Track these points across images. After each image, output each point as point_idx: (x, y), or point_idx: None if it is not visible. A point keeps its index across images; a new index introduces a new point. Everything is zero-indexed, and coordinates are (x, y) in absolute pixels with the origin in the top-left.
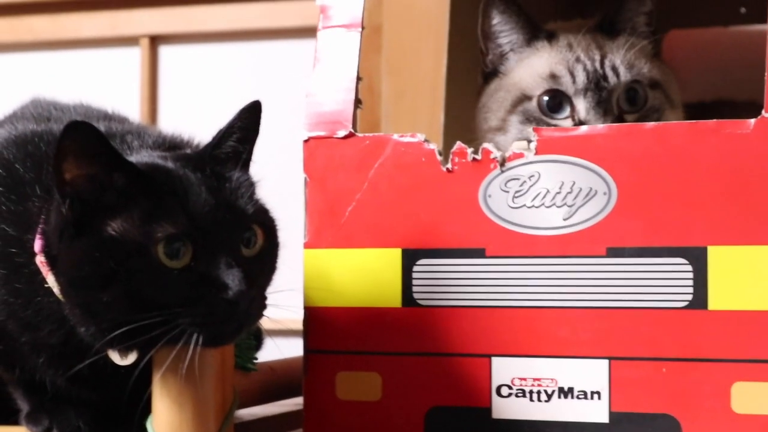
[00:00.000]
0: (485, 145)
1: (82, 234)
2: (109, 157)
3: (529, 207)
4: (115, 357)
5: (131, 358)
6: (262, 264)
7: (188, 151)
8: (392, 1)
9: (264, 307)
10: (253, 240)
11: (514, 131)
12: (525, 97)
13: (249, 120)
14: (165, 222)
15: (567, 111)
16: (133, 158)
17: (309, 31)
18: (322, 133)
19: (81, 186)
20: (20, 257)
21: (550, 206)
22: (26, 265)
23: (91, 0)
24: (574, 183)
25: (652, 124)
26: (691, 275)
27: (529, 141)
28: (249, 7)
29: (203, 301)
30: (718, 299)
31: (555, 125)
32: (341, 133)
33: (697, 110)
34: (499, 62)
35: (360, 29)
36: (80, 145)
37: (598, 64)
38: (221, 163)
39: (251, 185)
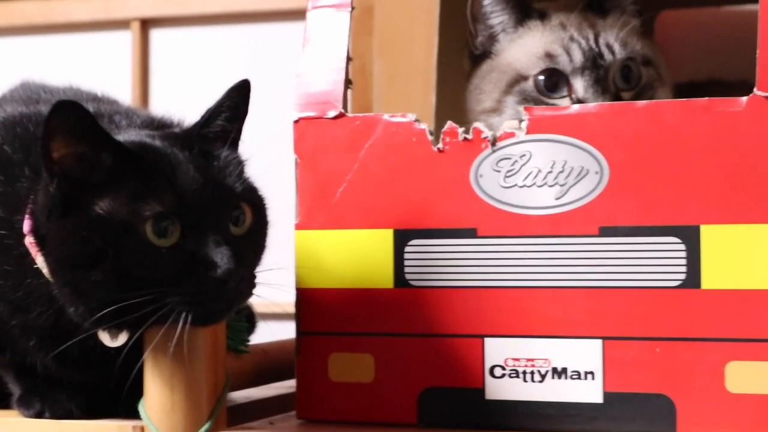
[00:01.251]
0: (476, 124)
1: (69, 213)
2: (97, 136)
3: (520, 186)
4: (105, 338)
5: (121, 340)
6: (251, 242)
7: (176, 130)
8: None
9: (253, 285)
10: (241, 218)
11: (510, 112)
12: (521, 77)
13: (238, 99)
14: (153, 200)
15: (564, 90)
16: (121, 137)
17: (302, 14)
18: (312, 114)
19: (69, 165)
20: (9, 239)
21: (541, 186)
22: (15, 247)
23: None
24: (565, 162)
25: (643, 102)
26: (684, 254)
27: (521, 120)
28: None
29: (192, 279)
30: (711, 278)
31: (552, 105)
32: (331, 114)
33: (688, 90)
34: (489, 44)
35: (350, 9)
36: (68, 124)
37: (593, 43)
38: (209, 142)
39: (240, 164)
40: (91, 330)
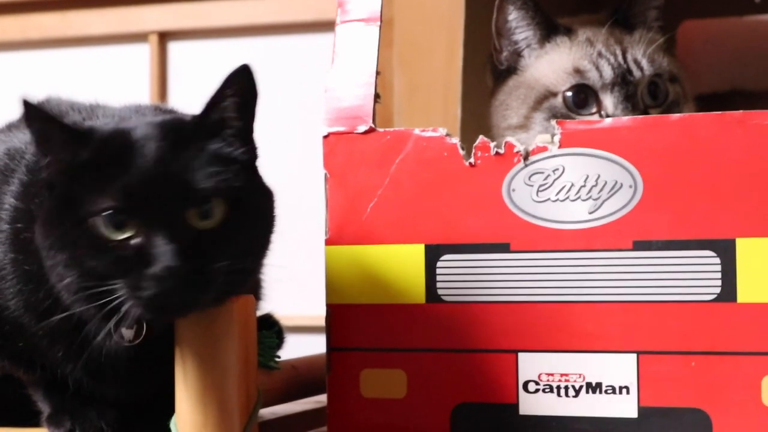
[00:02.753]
0: (508, 138)
1: (51, 196)
2: (67, 132)
3: (553, 201)
4: (127, 333)
5: (129, 335)
6: (223, 238)
7: (173, 118)
8: None
9: (211, 282)
10: (210, 213)
11: (538, 128)
12: (550, 94)
13: (240, 86)
14: (105, 194)
15: (593, 107)
16: (98, 124)
17: (320, 26)
18: (341, 129)
19: (54, 166)
20: (27, 231)
21: (575, 200)
22: (33, 240)
23: None
24: (599, 176)
25: (677, 116)
26: (719, 268)
27: (553, 134)
28: (258, 2)
29: (133, 274)
30: (747, 292)
31: None
32: (361, 129)
33: (711, 101)
34: (514, 59)
35: (379, 23)
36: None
37: (621, 59)
38: (202, 133)
39: (227, 157)
40: (72, 309)
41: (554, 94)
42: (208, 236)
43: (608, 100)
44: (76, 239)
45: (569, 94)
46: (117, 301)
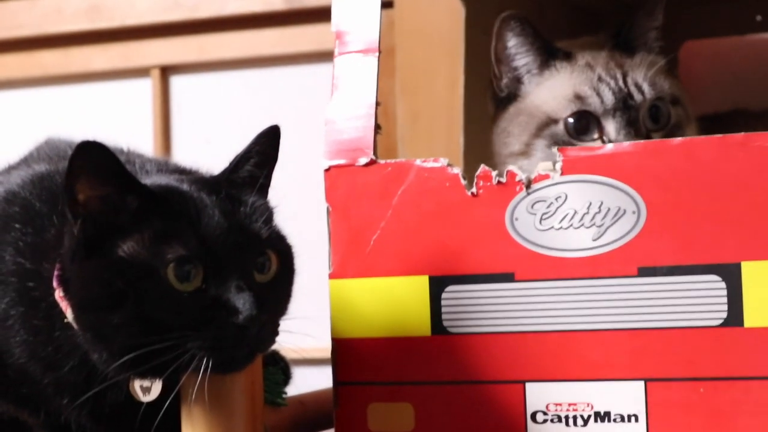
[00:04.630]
0: (510, 167)
1: (92, 255)
2: (122, 178)
3: (557, 229)
4: (137, 393)
5: (154, 394)
6: (276, 290)
7: (205, 175)
8: (404, 23)
9: (276, 333)
10: (267, 265)
11: (540, 155)
12: (551, 120)
13: (267, 144)
14: (176, 244)
15: (595, 132)
16: (149, 181)
17: (321, 56)
18: (343, 161)
19: (93, 207)
20: (37, 290)
21: (578, 227)
22: (44, 299)
23: (101, 32)
24: (602, 203)
25: (678, 139)
26: (725, 292)
27: (555, 162)
28: (259, 34)
29: (213, 324)
30: (754, 316)
31: None
32: (363, 161)
33: (712, 121)
34: (514, 86)
35: (377, 54)
36: (93, 165)
37: (621, 83)
38: (238, 188)
39: (267, 210)
40: (115, 377)
41: (555, 121)
42: (264, 287)
43: (610, 126)
44: (140, 294)
45: (570, 120)
46: (188, 354)
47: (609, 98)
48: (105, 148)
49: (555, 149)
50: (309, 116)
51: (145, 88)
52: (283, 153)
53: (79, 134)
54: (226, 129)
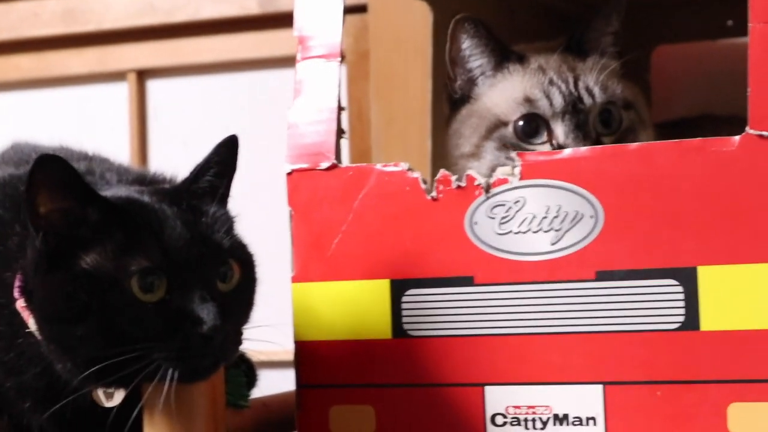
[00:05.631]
0: (469, 171)
1: (55, 267)
2: (82, 191)
3: (516, 233)
4: (100, 398)
5: (117, 400)
6: (238, 299)
7: (166, 186)
8: (379, 27)
9: (239, 342)
10: (229, 275)
11: (489, 157)
12: (500, 123)
13: (226, 155)
14: (139, 255)
15: (544, 135)
16: (109, 192)
17: (294, 61)
18: (304, 165)
19: (54, 220)
20: (0, 298)
21: (537, 231)
22: (6, 306)
23: (77, 36)
24: (560, 207)
25: (636, 144)
26: (682, 296)
27: (514, 165)
28: (235, 38)
29: (178, 335)
30: (710, 320)
31: (532, 150)
32: (324, 165)
33: (680, 126)
34: (468, 87)
35: (339, 59)
36: (52, 179)
37: (572, 86)
38: (198, 198)
39: (228, 220)
40: (81, 388)
41: (505, 124)
42: (227, 297)
43: (559, 129)
44: (104, 306)
45: (520, 123)
46: (153, 365)
47: (558, 101)
48: (63, 162)
49: (505, 153)
50: (284, 120)
51: (121, 92)
52: (259, 156)
53: (47, 138)
54: (203, 132)
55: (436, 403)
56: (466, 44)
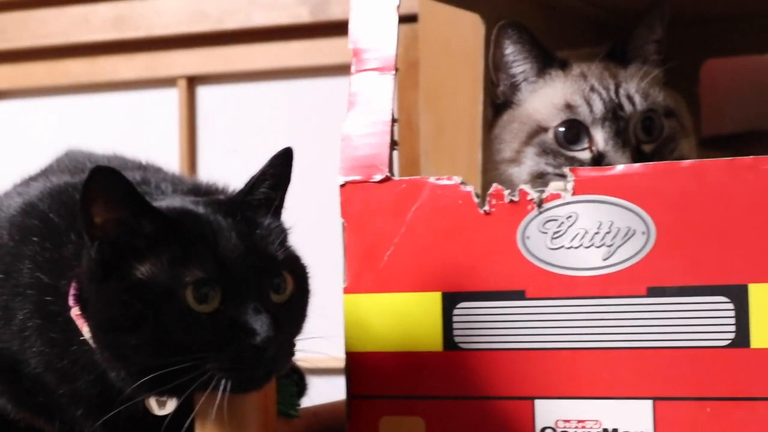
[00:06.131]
0: (523, 186)
1: (110, 277)
2: (137, 202)
3: (567, 248)
4: (153, 406)
5: (169, 408)
6: (291, 311)
7: (221, 197)
8: (429, 37)
9: (292, 353)
10: (282, 286)
11: (529, 163)
12: (541, 129)
13: (281, 167)
14: (194, 266)
15: (584, 142)
16: (164, 203)
17: (347, 69)
18: (358, 177)
19: (109, 230)
20: (55, 305)
21: (589, 246)
22: (61, 314)
23: (128, 42)
24: (612, 223)
25: (688, 162)
26: (732, 313)
27: (566, 181)
28: (286, 45)
29: (231, 346)
30: (760, 337)
31: (572, 157)
32: (377, 177)
33: (729, 141)
34: (511, 93)
35: (393, 72)
36: (107, 190)
37: (613, 93)
38: (253, 210)
39: (282, 232)
40: (134, 396)
41: (545, 130)
42: (280, 308)
43: (599, 136)
44: (158, 315)
45: (560, 129)
46: (206, 375)
47: (599, 108)
48: (117, 174)
49: (544, 159)
50: (334, 128)
51: (171, 98)
52: (309, 165)
53: (102, 145)
54: (252, 139)
55: (486, 415)
56: (510, 50)
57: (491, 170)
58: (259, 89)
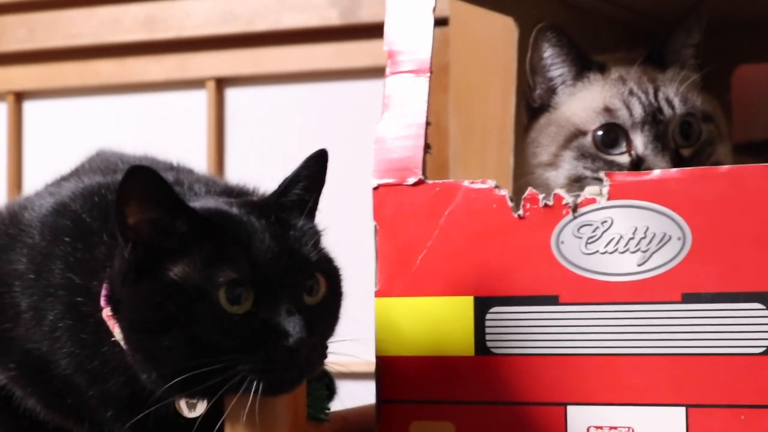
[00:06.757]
0: (557, 191)
1: (143, 278)
2: (172, 203)
3: (602, 253)
4: (183, 408)
5: (199, 410)
6: (324, 312)
7: (254, 198)
8: (459, 40)
9: (324, 356)
10: (315, 288)
11: (567, 166)
12: (579, 132)
13: (315, 168)
14: (227, 267)
15: (623, 146)
16: (198, 204)
17: (377, 72)
18: (391, 180)
19: (143, 230)
20: (86, 306)
21: (623, 252)
22: (92, 315)
23: (157, 43)
24: (647, 228)
25: (725, 167)
26: None
27: (602, 186)
28: (315, 48)
29: (264, 347)
30: None
31: (611, 161)
32: (411, 180)
33: (763, 148)
34: (547, 96)
35: (428, 74)
36: (142, 190)
37: (652, 97)
38: (287, 211)
39: (316, 234)
40: (164, 398)
41: (584, 133)
42: (313, 310)
43: (638, 140)
44: (191, 316)
45: (599, 133)
46: (238, 377)
47: (638, 112)
48: (154, 173)
49: (582, 163)
50: (364, 131)
51: (200, 100)
52: (339, 168)
53: (131, 146)
54: (280, 142)
55: (518, 421)
56: (548, 53)
57: (526, 174)
58: (288, 92)
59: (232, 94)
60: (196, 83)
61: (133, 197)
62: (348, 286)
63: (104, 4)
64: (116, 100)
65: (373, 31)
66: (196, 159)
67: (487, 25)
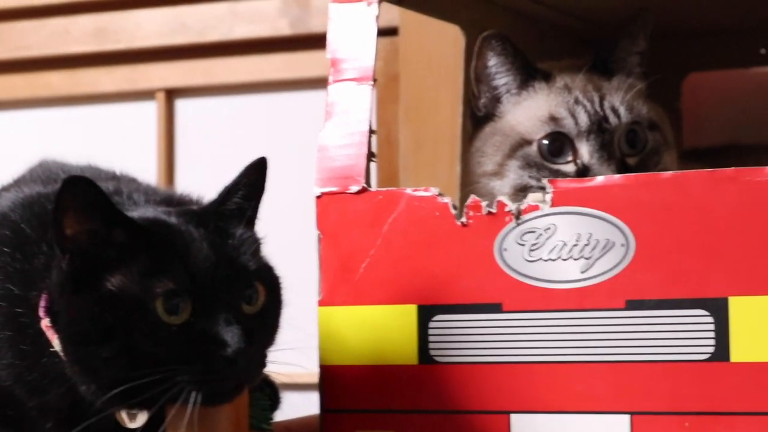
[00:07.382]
0: (501, 198)
1: (81, 289)
2: (109, 213)
3: (545, 260)
4: (124, 420)
5: (140, 421)
6: (264, 322)
7: (194, 207)
8: (409, 50)
9: (264, 365)
10: (254, 297)
11: (512, 176)
12: (525, 142)
13: (254, 177)
14: (164, 277)
15: (569, 155)
16: (136, 213)
17: (325, 82)
18: (334, 189)
19: (81, 241)
20: (25, 317)
21: (567, 259)
22: (31, 326)
23: (108, 54)
24: (591, 235)
25: (669, 173)
26: (712, 327)
27: (545, 192)
28: (266, 58)
29: (202, 357)
30: (740, 351)
31: (557, 170)
32: (354, 189)
33: (706, 155)
34: (492, 105)
35: (371, 82)
36: (80, 200)
37: (598, 106)
38: (226, 220)
39: (255, 242)
40: (104, 409)
41: (529, 143)
42: (253, 320)
43: (584, 149)
44: (129, 327)
45: (545, 142)
46: (177, 387)
47: (584, 121)
48: (92, 184)
49: (528, 172)
50: (313, 141)
51: (150, 111)
52: (286, 178)
53: (81, 157)
54: (231, 152)
55: (461, 430)
56: (493, 61)
57: (472, 183)
58: (238, 102)
59: (182, 105)
60: (146, 94)
61: (70, 208)
62: (291, 295)
63: (54, 15)
64: (67, 112)
65: (324, 41)
66: (146, 170)
67: (437, 34)
